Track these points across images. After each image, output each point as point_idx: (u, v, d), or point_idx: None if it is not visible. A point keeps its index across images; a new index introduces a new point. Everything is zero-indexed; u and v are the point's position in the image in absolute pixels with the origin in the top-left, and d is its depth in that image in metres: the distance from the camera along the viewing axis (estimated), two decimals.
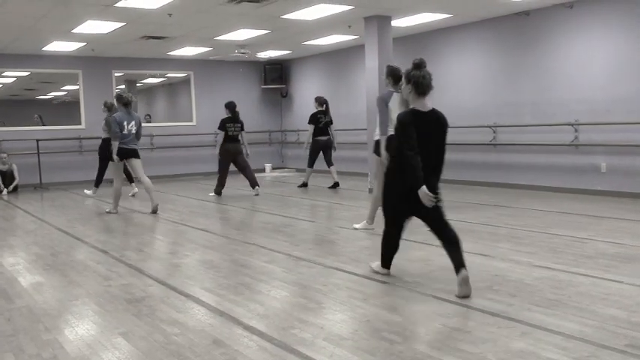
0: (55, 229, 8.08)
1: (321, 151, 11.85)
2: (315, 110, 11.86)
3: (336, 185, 11.88)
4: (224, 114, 11.21)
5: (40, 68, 14.44)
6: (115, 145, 9.01)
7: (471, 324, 3.83)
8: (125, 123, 8.95)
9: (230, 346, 3.57)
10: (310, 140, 11.79)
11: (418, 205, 4.58)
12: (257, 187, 11.16)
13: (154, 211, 9.15)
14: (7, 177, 12.71)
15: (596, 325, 3.72)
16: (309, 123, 11.85)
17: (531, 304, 4.19)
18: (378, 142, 6.80)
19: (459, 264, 4.46)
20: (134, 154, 9.17)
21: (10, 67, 14.50)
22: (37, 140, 13.56)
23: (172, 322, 4.06)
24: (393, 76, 6.86)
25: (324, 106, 11.84)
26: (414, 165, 4.51)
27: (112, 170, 9.46)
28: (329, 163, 11.95)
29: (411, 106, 4.83)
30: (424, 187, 4.49)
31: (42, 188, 13.54)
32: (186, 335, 3.79)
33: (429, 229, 4.85)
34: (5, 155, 12.73)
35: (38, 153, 13.58)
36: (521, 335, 3.60)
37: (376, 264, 5.20)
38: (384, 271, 5.10)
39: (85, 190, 12.15)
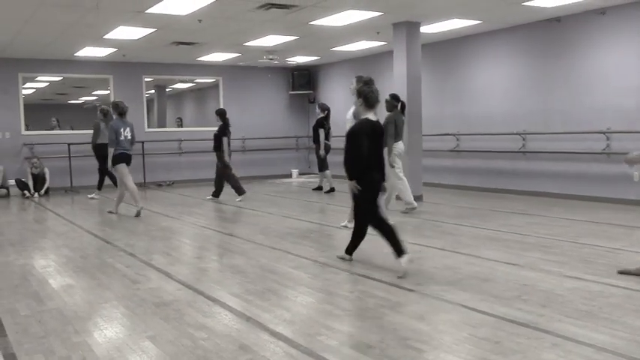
0: (85, 232, 8.20)
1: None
2: (320, 116, 12.20)
3: (332, 190, 12.26)
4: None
5: (73, 73, 14.69)
6: (110, 152, 9.41)
7: (500, 334, 3.78)
8: (121, 130, 9.41)
9: (256, 352, 3.57)
10: (323, 144, 12.04)
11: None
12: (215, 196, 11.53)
13: (138, 215, 9.43)
14: (39, 180, 12.93)
15: (628, 338, 3.65)
16: (319, 128, 12.10)
17: (562, 314, 4.13)
18: None
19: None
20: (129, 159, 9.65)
21: (44, 72, 14.80)
22: (69, 144, 13.79)
23: (199, 326, 4.08)
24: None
25: (326, 112, 12.19)
26: (358, 163, 5.57)
27: (119, 174, 9.66)
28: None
29: (363, 117, 5.74)
30: (354, 182, 5.58)
31: (72, 191, 13.74)
32: (213, 340, 3.80)
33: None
34: (36, 160, 12.96)
35: (69, 157, 13.80)
36: (552, 346, 3.54)
37: (405, 259, 5.40)
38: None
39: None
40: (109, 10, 9.06)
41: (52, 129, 15.37)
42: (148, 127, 15.61)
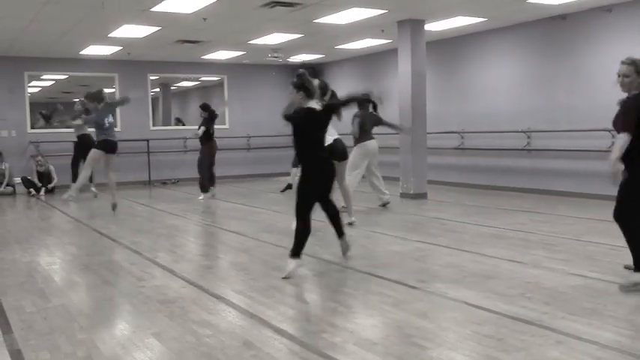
0: (91, 230, 8.23)
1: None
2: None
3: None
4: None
5: (78, 72, 14.72)
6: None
7: (504, 331, 3.78)
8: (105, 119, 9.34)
9: (260, 349, 3.58)
10: None
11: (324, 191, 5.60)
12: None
13: (114, 208, 9.57)
14: (45, 178, 12.98)
15: (633, 335, 3.65)
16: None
17: (566, 312, 4.12)
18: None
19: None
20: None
21: (49, 71, 14.84)
22: (74, 142, 13.81)
23: (204, 323, 4.09)
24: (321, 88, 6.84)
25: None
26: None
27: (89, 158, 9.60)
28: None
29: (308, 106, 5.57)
30: None
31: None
32: (217, 337, 3.82)
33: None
34: (41, 158, 13.00)
35: (74, 155, 13.82)
36: (556, 344, 3.55)
37: (293, 264, 5.28)
38: (300, 261, 5.37)
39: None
40: (115, 9, 9.08)
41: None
42: (153, 125, 15.63)
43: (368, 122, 9.09)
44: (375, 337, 3.78)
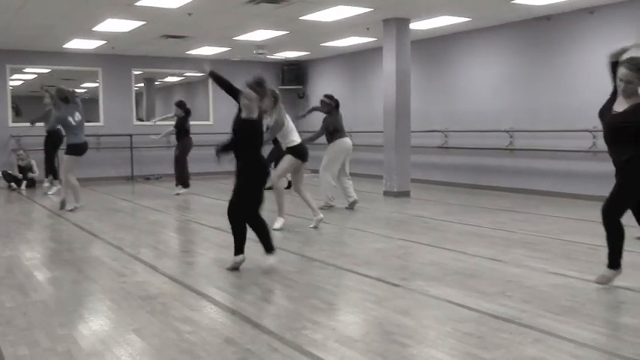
0: (72, 225, 8.17)
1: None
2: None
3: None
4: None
5: (61, 65, 14.59)
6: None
7: (484, 329, 3.81)
8: (69, 117, 9.18)
9: (241, 345, 3.59)
10: None
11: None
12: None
13: (62, 207, 9.43)
14: (26, 172, 12.86)
15: (609, 334, 3.70)
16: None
17: (545, 310, 4.17)
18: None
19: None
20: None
21: (32, 64, 14.68)
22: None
23: (185, 319, 4.09)
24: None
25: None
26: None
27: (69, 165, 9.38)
28: None
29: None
30: None
31: (60, 184, 13.65)
32: (198, 333, 3.81)
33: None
34: (22, 152, 12.88)
35: (57, 149, 13.69)
36: (534, 342, 3.59)
37: (236, 259, 5.50)
38: (242, 257, 5.51)
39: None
40: (99, 2, 9.01)
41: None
42: (137, 120, 15.54)
43: (337, 122, 9.34)
44: (356, 334, 3.80)
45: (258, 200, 5.49)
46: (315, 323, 3.97)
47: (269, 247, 5.48)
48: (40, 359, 3.44)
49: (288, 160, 7.64)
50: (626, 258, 5.72)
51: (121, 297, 4.67)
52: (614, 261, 4.71)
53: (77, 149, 9.24)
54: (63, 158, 9.53)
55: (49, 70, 15.71)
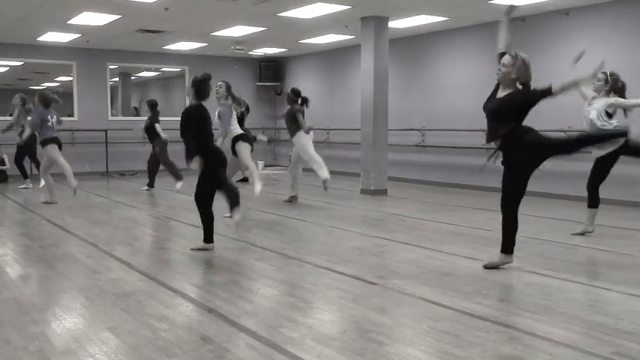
0: (45, 221, 8.04)
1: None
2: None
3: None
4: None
5: (34, 58, 14.36)
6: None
7: (460, 327, 3.83)
8: (48, 117, 9.43)
9: (218, 344, 3.56)
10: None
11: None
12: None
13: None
14: None
15: (583, 332, 3.74)
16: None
17: (520, 309, 4.21)
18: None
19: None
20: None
21: (4, 57, 14.42)
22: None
23: (161, 317, 4.04)
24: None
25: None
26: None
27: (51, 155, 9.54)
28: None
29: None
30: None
31: (32, 179, 13.43)
32: (174, 331, 3.78)
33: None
34: None
35: (30, 144, 13.47)
36: (509, 340, 3.61)
37: (206, 245, 6.12)
38: (212, 245, 6.15)
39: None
40: None
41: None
42: (112, 115, 15.35)
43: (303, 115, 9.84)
44: (333, 332, 3.79)
45: (216, 182, 6.04)
46: (293, 321, 3.96)
47: (234, 203, 6.06)
48: (11, 358, 3.38)
49: (243, 146, 8.18)
50: (600, 257, 5.83)
51: (96, 294, 4.60)
52: (507, 246, 5.31)
53: (55, 139, 9.46)
54: (45, 152, 9.51)
55: (21, 63, 15.45)
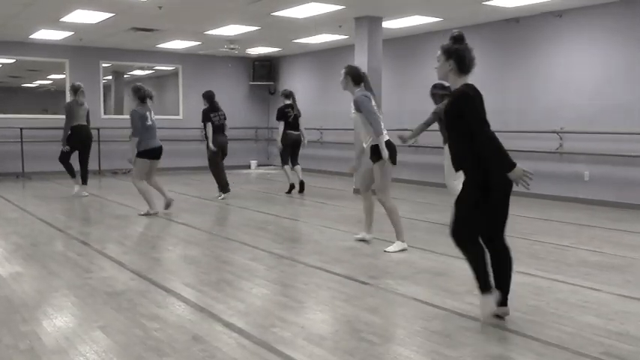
0: (37, 219, 8.01)
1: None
2: (282, 105, 10.84)
3: (302, 186, 10.84)
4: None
5: (27, 56, 14.28)
6: (134, 141, 8.76)
7: (451, 327, 3.84)
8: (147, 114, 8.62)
9: (209, 343, 3.56)
10: (280, 138, 10.71)
11: None
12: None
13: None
14: None
15: (574, 332, 3.76)
16: (278, 119, 10.75)
17: (511, 309, 4.21)
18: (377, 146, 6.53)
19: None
20: None
21: None
22: (21, 129, 13.43)
23: (152, 316, 4.03)
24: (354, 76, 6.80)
25: (291, 98, 10.89)
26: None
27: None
28: (295, 162, 10.89)
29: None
30: None
31: (24, 177, 13.40)
32: (165, 330, 3.77)
33: None
34: None
35: (22, 141, 13.44)
36: (500, 340, 3.63)
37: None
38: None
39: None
40: None
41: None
42: (105, 113, 15.30)
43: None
44: (325, 332, 3.79)
45: None
46: (284, 321, 3.96)
47: None
48: (1, 356, 3.36)
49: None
50: (590, 258, 5.85)
51: (87, 293, 4.59)
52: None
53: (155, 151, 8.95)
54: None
55: (13, 61, 15.37)
